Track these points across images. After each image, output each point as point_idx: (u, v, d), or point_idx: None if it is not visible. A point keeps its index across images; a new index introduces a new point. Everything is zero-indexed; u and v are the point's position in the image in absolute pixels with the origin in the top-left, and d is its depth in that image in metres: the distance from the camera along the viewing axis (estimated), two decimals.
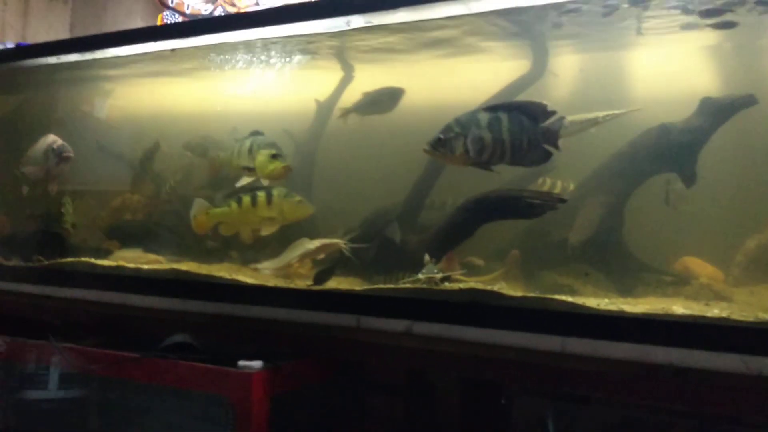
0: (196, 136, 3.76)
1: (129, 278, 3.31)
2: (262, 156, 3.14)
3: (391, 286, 2.82)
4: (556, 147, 2.59)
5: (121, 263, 3.46)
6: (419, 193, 3.21)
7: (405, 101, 3.39)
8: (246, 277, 3.17)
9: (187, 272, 3.27)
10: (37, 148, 3.71)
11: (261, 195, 3.19)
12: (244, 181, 3.17)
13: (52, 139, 3.67)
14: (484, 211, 2.88)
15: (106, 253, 3.60)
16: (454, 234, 2.99)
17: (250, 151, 3.13)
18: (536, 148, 2.64)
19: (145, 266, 3.40)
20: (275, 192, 3.17)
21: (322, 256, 2.91)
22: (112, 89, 4.44)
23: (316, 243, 2.96)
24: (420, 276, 2.77)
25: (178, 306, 3.12)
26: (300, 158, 3.53)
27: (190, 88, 4.00)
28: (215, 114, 4.04)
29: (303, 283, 3.04)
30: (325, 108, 3.61)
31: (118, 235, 3.74)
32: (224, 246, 3.76)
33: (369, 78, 3.52)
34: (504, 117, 2.59)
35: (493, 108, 2.61)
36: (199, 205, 3.27)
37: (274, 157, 3.08)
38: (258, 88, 3.81)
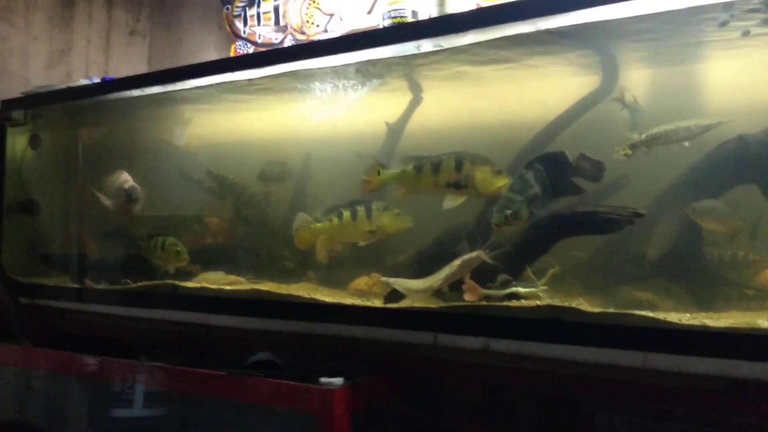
0: (272, 162, 3.91)
1: (212, 299, 3.39)
2: (483, 173, 3.03)
3: (474, 302, 2.86)
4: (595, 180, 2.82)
5: (204, 284, 3.55)
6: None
7: (472, 119, 3.43)
8: (324, 296, 3.25)
9: (267, 292, 3.35)
10: (111, 182, 3.84)
11: (361, 209, 3.24)
12: (455, 200, 3.06)
13: (124, 178, 3.80)
14: (559, 227, 2.86)
15: (188, 276, 3.69)
16: (529, 251, 2.96)
17: (458, 168, 3.02)
18: (569, 188, 2.86)
19: (228, 287, 3.49)
20: (374, 206, 3.21)
21: (467, 274, 2.85)
22: (190, 118, 4.55)
23: (456, 262, 2.85)
24: (517, 289, 2.82)
25: (260, 325, 3.21)
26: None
27: (263, 115, 4.13)
28: (288, 139, 4.19)
29: (379, 302, 3.06)
30: (395, 130, 3.65)
31: (201, 258, 3.79)
32: (300, 266, 3.89)
33: (437, 98, 3.57)
34: (540, 167, 2.78)
35: (529, 164, 2.80)
36: (301, 220, 3.34)
37: (497, 173, 2.95)
38: (329, 113, 3.89)
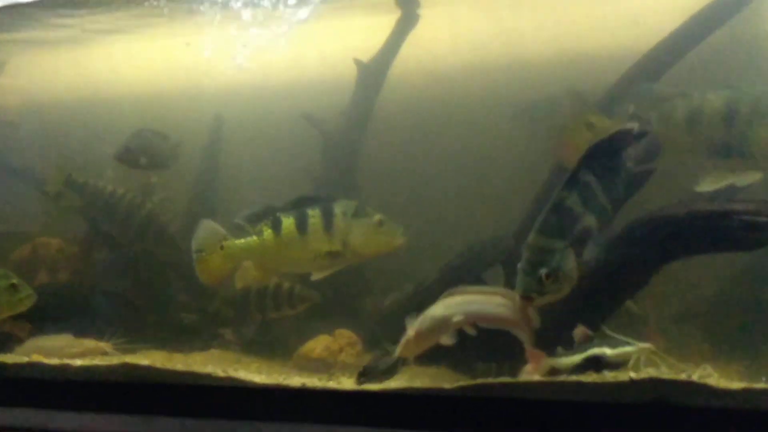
0: (142, 134, 3.13)
1: (52, 383, 2.74)
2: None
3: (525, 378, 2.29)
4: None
5: (37, 358, 2.86)
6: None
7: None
8: (251, 373, 2.61)
9: (150, 369, 2.64)
10: None
11: (314, 215, 2.55)
12: (750, 177, 2.28)
13: None
14: (667, 240, 2.34)
15: (6, 343, 3.04)
16: (617, 282, 2.42)
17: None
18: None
19: (79, 361, 2.82)
20: (339, 208, 2.55)
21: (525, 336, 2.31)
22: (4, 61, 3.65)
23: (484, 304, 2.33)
24: (600, 351, 2.22)
25: (140, 429, 2.52)
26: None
27: (136, 50, 3.46)
28: (181, 93, 3.36)
29: (349, 380, 2.56)
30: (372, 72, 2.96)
31: (30, 311, 2.94)
32: (209, 319, 3.00)
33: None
34: (589, 178, 2.25)
35: (571, 180, 2.25)
36: (208, 234, 2.59)
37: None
38: (254, 45, 3.08)
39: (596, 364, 2.26)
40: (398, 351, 2.41)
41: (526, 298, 2.20)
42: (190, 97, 3.21)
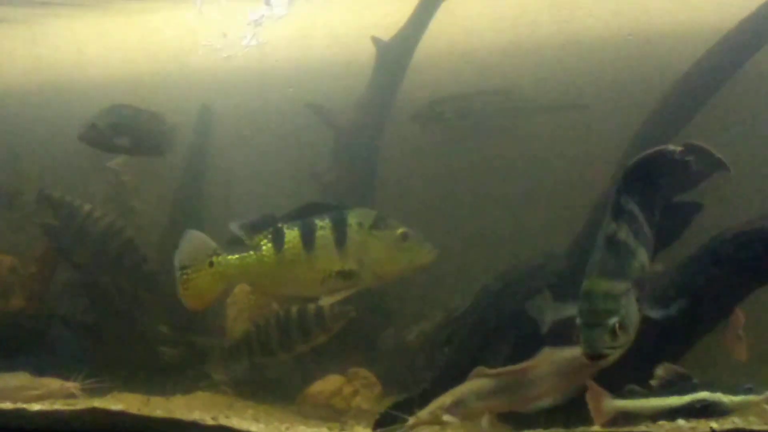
0: (113, 111, 2.70)
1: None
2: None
3: None
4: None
5: None
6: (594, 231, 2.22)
7: None
8: (246, 421, 2.30)
9: (123, 415, 2.35)
10: None
11: (323, 226, 2.15)
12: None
13: None
14: (761, 259, 2.12)
15: None
16: (698, 311, 2.13)
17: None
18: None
19: (38, 406, 2.53)
20: (353, 219, 2.16)
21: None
22: None
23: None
24: (703, 396, 1.98)
25: None
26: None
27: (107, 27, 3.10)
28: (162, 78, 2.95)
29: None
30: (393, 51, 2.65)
31: None
32: (195, 354, 2.66)
33: None
34: (633, 207, 2.02)
35: (616, 210, 1.98)
36: (195, 247, 2.19)
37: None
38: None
39: (700, 411, 2.04)
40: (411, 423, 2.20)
41: (597, 357, 1.89)
42: (172, 84, 2.94)
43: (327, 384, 2.52)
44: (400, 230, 2.21)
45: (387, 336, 2.70)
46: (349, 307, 2.49)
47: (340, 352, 2.60)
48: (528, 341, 2.31)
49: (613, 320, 1.87)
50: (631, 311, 1.91)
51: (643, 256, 2.02)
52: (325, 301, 2.34)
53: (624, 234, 1.99)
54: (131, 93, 2.98)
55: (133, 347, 2.77)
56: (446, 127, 2.66)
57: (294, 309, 2.58)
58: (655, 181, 2.16)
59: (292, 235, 2.21)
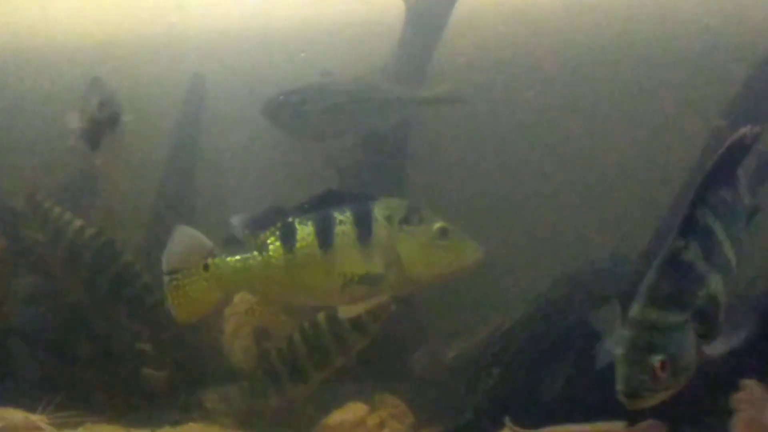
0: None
1: None
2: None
3: None
4: None
5: None
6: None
7: None
8: None
9: None
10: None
11: (344, 221, 1.90)
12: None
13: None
14: None
15: None
16: None
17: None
18: None
19: None
20: (380, 212, 1.90)
21: None
22: None
23: None
24: None
25: None
26: None
27: None
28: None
29: None
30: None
31: None
32: (183, 376, 2.39)
33: None
34: (710, 220, 1.73)
35: (684, 227, 1.69)
36: (186, 247, 1.94)
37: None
38: None
39: None
40: None
41: (633, 396, 1.63)
42: (158, 50, 2.64)
43: (347, 413, 2.36)
44: (437, 225, 1.94)
45: (421, 355, 2.50)
46: (387, 300, 2.16)
47: (364, 374, 2.36)
48: (592, 361, 2.01)
49: (657, 358, 1.62)
50: (684, 349, 1.66)
51: (715, 284, 1.74)
52: (346, 313, 2.01)
53: (692, 254, 1.72)
54: (109, 63, 2.64)
55: (111, 369, 2.52)
56: (306, 123, 2.35)
57: (322, 316, 2.29)
58: (737, 180, 1.86)
59: (305, 231, 1.97)
